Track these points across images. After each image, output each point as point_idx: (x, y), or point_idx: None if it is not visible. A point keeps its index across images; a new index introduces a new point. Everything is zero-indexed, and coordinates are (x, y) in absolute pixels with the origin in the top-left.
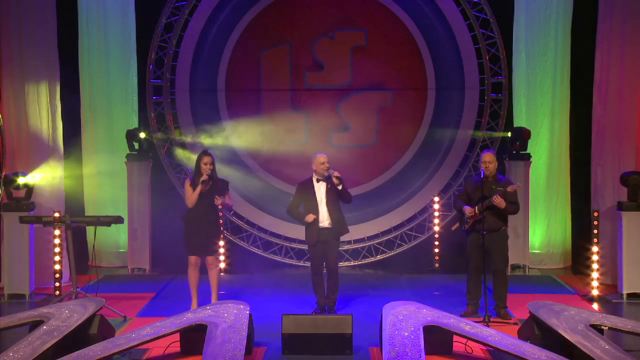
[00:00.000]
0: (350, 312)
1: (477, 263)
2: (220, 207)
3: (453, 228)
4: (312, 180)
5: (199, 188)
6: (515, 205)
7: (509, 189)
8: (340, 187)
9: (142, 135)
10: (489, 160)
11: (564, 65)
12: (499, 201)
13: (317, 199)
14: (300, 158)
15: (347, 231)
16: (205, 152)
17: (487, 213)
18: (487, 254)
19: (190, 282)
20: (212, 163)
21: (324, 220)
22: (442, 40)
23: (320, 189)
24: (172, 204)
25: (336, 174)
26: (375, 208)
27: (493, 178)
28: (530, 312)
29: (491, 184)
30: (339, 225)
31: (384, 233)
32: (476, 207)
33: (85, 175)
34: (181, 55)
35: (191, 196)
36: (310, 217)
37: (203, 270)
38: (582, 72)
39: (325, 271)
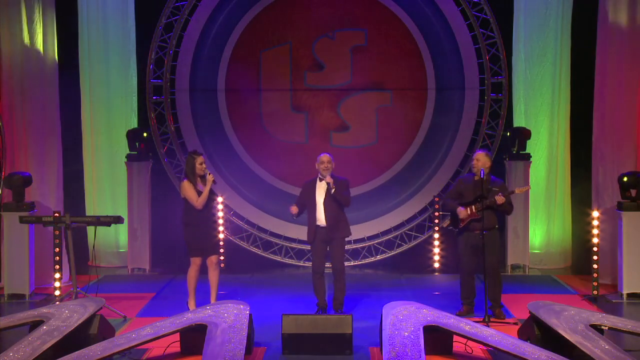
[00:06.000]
0: (350, 312)
1: (469, 263)
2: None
3: (444, 225)
4: (316, 179)
5: (207, 189)
6: (511, 205)
7: (517, 190)
8: (332, 192)
9: (145, 134)
10: (476, 157)
11: (563, 65)
12: (501, 200)
13: (317, 197)
14: (300, 158)
15: (349, 233)
16: (196, 152)
17: (486, 212)
18: (480, 253)
19: (189, 283)
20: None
21: (321, 219)
22: (442, 40)
23: (321, 188)
24: (172, 204)
25: (328, 179)
26: (375, 208)
27: (486, 178)
28: (530, 312)
29: (485, 184)
30: (337, 225)
31: (384, 233)
32: (473, 207)
33: (86, 175)
34: (181, 55)
35: (200, 198)
36: (292, 209)
37: (202, 271)
38: (582, 72)
39: (329, 271)
